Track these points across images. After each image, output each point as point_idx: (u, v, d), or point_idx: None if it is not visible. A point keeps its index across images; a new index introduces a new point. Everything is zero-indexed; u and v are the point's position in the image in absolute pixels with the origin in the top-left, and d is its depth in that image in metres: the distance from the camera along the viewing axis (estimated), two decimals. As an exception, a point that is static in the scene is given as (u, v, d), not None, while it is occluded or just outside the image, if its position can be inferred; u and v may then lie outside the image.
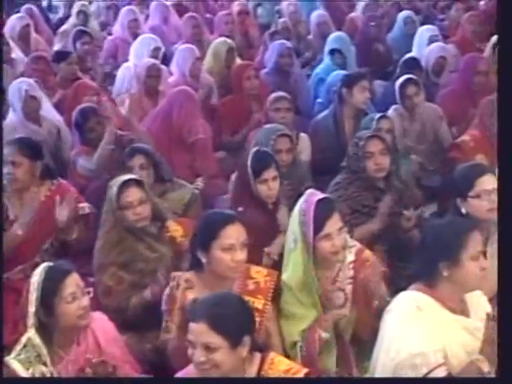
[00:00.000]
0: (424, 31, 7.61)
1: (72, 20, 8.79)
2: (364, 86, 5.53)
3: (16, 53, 7.28)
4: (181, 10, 9.05)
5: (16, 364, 3.00)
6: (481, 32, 7.77)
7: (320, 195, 3.44)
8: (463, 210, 3.51)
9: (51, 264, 3.15)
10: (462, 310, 2.94)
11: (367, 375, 3.16)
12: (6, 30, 7.82)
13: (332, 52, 7.12)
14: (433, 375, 2.76)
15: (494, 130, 4.93)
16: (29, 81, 5.71)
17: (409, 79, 5.69)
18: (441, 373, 2.77)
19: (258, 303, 3.20)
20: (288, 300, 3.44)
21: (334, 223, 3.36)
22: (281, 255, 3.66)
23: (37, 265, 3.24)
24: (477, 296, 3.00)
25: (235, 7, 8.91)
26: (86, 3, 9.31)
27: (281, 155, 4.43)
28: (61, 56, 6.75)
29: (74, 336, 3.15)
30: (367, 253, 3.55)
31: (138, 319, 3.72)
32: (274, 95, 5.47)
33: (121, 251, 3.80)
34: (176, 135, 5.41)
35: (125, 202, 3.78)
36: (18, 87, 5.57)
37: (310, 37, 8.51)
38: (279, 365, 2.75)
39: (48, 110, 5.80)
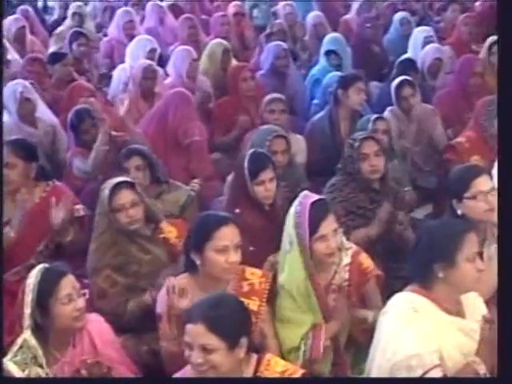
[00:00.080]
0: (418, 33, 7.62)
1: (68, 22, 8.78)
2: (360, 88, 5.54)
3: (11, 54, 7.27)
4: (176, 11, 9.04)
5: (12, 366, 3.00)
6: (476, 34, 7.78)
7: (314, 197, 3.44)
8: (459, 212, 3.51)
9: (47, 265, 3.16)
10: (458, 312, 2.94)
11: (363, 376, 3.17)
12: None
13: (328, 53, 7.13)
14: (428, 376, 2.77)
15: (489, 132, 4.96)
16: (24, 83, 5.70)
17: (404, 80, 5.70)
18: (436, 374, 2.76)
19: (252, 305, 3.19)
20: (283, 304, 3.44)
21: (328, 224, 3.36)
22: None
23: (32, 266, 3.25)
24: (472, 297, 3.00)
25: (231, 9, 8.92)
26: (82, 5, 9.30)
27: (276, 156, 4.43)
28: (56, 57, 6.74)
29: (70, 338, 3.15)
30: (363, 255, 3.55)
31: (135, 322, 3.72)
32: (268, 97, 5.48)
33: (114, 254, 3.80)
34: (172, 137, 5.40)
35: (117, 204, 3.77)
36: (13, 89, 5.55)
37: (306, 38, 8.52)
38: (275, 366, 2.75)
39: (43, 111, 5.79)
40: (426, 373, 2.75)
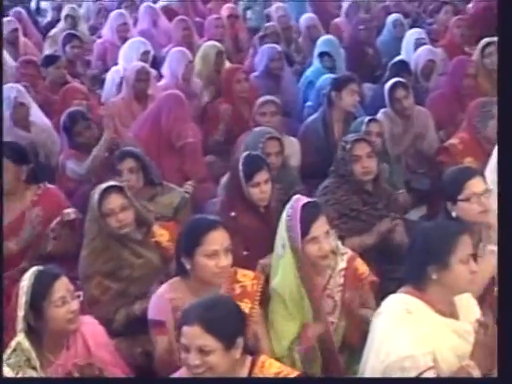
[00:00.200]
0: (410, 35, 7.64)
1: (61, 24, 8.76)
2: (353, 89, 5.54)
3: (4, 57, 7.25)
4: (169, 13, 9.03)
5: (5, 368, 2.98)
6: (469, 36, 7.79)
7: (306, 199, 3.44)
8: (453, 214, 3.51)
9: (41, 268, 3.15)
10: (452, 313, 2.94)
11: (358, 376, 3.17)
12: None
13: (321, 55, 7.13)
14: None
15: (482, 133, 4.98)
16: (18, 87, 5.69)
17: (398, 82, 5.70)
18: (430, 376, 2.77)
19: (245, 307, 3.17)
20: (275, 309, 3.43)
21: (320, 226, 3.36)
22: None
23: (24, 270, 3.23)
24: (466, 299, 3.00)
25: (225, 11, 8.91)
26: (75, 7, 9.28)
27: (270, 158, 4.42)
28: (49, 60, 6.74)
29: (64, 340, 3.14)
30: (359, 261, 3.56)
31: (124, 329, 3.72)
32: (260, 99, 5.48)
33: (105, 260, 3.80)
34: (165, 139, 5.39)
35: (106, 209, 3.77)
36: (7, 94, 5.54)
37: (300, 40, 8.52)
38: (270, 368, 2.75)
39: (37, 115, 5.78)
40: (419, 375, 2.75)
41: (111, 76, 6.64)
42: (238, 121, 5.90)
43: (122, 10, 8.74)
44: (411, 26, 8.53)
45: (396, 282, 3.17)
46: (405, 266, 3.04)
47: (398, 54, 7.41)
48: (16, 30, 7.95)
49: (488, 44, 6.61)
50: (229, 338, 2.64)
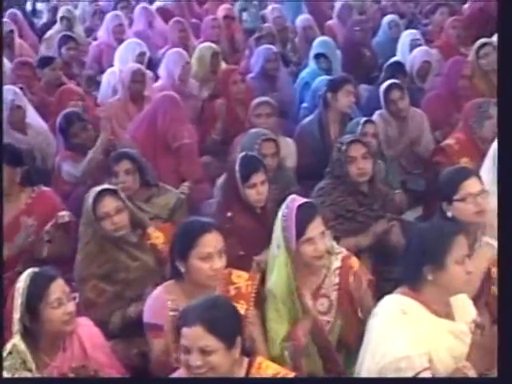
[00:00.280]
0: (406, 36, 7.64)
1: (57, 26, 8.75)
2: (349, 91, 5.54)
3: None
4: (165, 14, 9.03)
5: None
6: (464, 37, 7.80)
7: (301, 200, 3.44)
8: (449, 214, 3.50)
9: (36, 270, 3.13)
10: (447, 314, 2.94)
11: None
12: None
13: (317, 56, 7.13)
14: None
15: (478, 134, 4.98)
16: (14, 89, 5.69)
17: (393, 84, 5.70)
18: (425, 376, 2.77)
19: (240, 308, 3.16)
20: (270, 309, 3.42)
21: (315, 227, 3.35)
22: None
23: (20, 273, 3.22)
24: (462, 299, 3.01)
25: (221, 12, 8.90)
26: (71, 8, 9.27)
27: (266, 159, 4.42)
28: (45, 61, 6.72)
29: (60, 342, 3.14)
30: (354, 260, 3.55)
31: (119, 332, 3.71)
32: (256, 101, 5.48)
33: (101, 263, 3.79)
34: (161, 140, 5.39)
35: (101, 212, 3.76)
36: (4, 96, 5.52)
37: (296, 40, 8.52)
38: (267, 369, 2.74)
39: (33, 117, 5.78)
40: (415, 375, 2.75)
41: (107, 77, 6.63)
42: (234, 122, 5.90)
43: (118, 12, 8.72)
44: (407, 27, 8.54)
45: (392, 283, 3.18)
46: (400, 266, 3.04)
47: (394, 55, 7.41)
48: (12, 31, 7.93)
49: (483, 45, 6.62)
50: (230, 338, 2.65)
